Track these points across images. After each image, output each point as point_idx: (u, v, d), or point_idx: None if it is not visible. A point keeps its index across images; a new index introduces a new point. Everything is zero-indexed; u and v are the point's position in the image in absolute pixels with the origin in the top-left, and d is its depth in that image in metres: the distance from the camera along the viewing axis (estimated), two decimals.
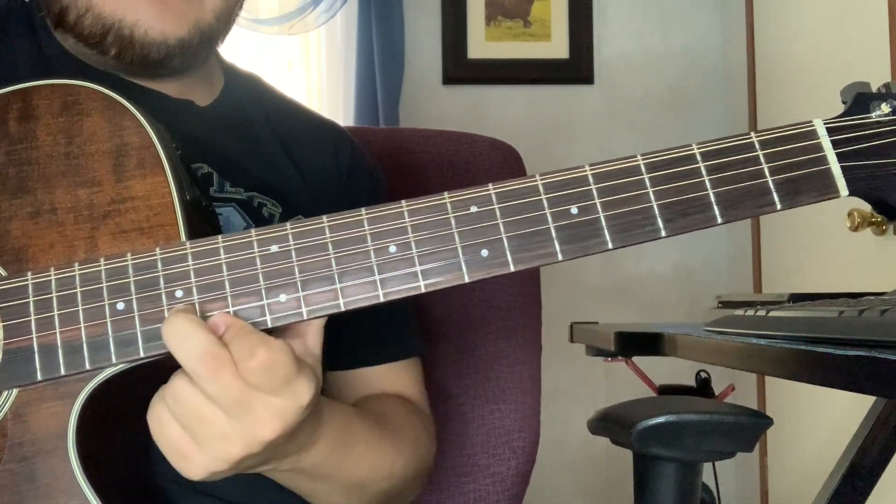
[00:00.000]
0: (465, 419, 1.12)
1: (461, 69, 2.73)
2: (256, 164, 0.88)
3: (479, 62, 2.74)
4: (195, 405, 0.58)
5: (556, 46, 2.75)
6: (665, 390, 1.98)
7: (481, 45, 2.74)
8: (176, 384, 0.59)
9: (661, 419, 0.96)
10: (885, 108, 0.62)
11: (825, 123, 0.62)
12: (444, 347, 1.12)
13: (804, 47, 2.32)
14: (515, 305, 1.15)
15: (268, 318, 0.60)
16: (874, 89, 0.63)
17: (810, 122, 0.62)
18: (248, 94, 0.95)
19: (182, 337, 0.58)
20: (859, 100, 0.63)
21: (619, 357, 1.62)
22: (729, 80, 2.76)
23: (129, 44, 0.80)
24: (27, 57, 0.85)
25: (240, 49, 2.51)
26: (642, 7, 2.79)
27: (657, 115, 2.77)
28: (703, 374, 2.05)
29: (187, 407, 0.59)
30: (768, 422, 0.99)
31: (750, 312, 0.93)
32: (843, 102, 0.63)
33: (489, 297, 1.14)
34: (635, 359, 1.87)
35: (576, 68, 2.75)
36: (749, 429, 0.98)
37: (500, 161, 1.18)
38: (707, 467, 1.38)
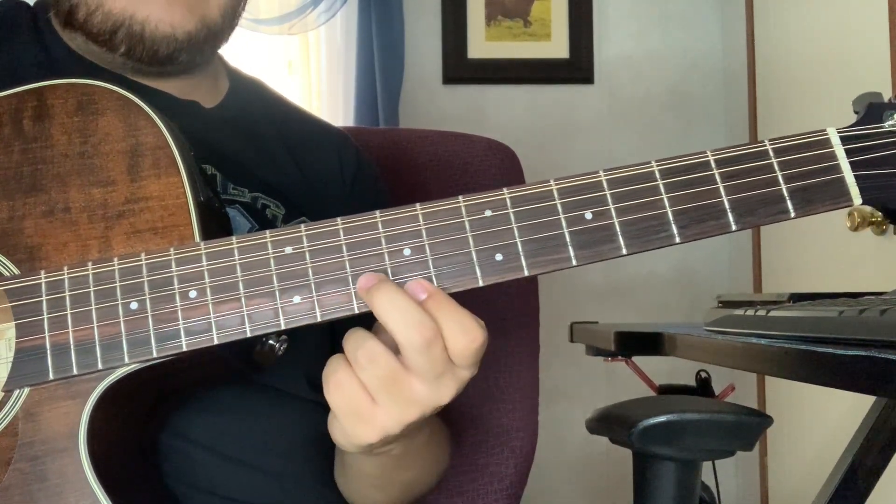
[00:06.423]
0: (464, 418, 1.12)
1: (461, 69, 2.73)
2: (260, 166, 0.89)
3: (479, 62, 2.74)
4: (392, 369, 0.59)
5: (556, 46, 2.75)
6: (665, 390, 1.98)
7: (481, 44, 2.74)
8: (372, 346, 0.59)
9: (661, 419, 0.97)
10: None
11: (839, 132, 0.62)
12: None
13: (804, 48, 2.32)
14: (513, 305, 1.14)
15: (281, 319, 0.60)
16: (886, 99, 0.64)
17: (824, 130, 0.62)
18: (252, 98, 0.96)
19: (402, 310, 0.58)
20: (872, 109, 0.63)
21: (619, 357, 1.62)
22: (729, 81, 2.77)
23: (138, 40, 0.81)
24: (32, 58, 0.85)
25: (240, 49, 2.51)
26: (642, 7, 2.80)
27: (657, 115, 2.78)
28: (703, 374, 2.05)
29: (382, 370, 0.59)
30: (768, 421, 0.99)
31: (750, 312, 0.93)
32: (856, 112, 0.64)
33: (487, 297, 1.12)
34: (635, 359, 1.87)
35: (576, 68, 2.75)
36: (749, 428, 0.98)
37: (497, 162, 1.18)
38: (707, 467, 1.38)
